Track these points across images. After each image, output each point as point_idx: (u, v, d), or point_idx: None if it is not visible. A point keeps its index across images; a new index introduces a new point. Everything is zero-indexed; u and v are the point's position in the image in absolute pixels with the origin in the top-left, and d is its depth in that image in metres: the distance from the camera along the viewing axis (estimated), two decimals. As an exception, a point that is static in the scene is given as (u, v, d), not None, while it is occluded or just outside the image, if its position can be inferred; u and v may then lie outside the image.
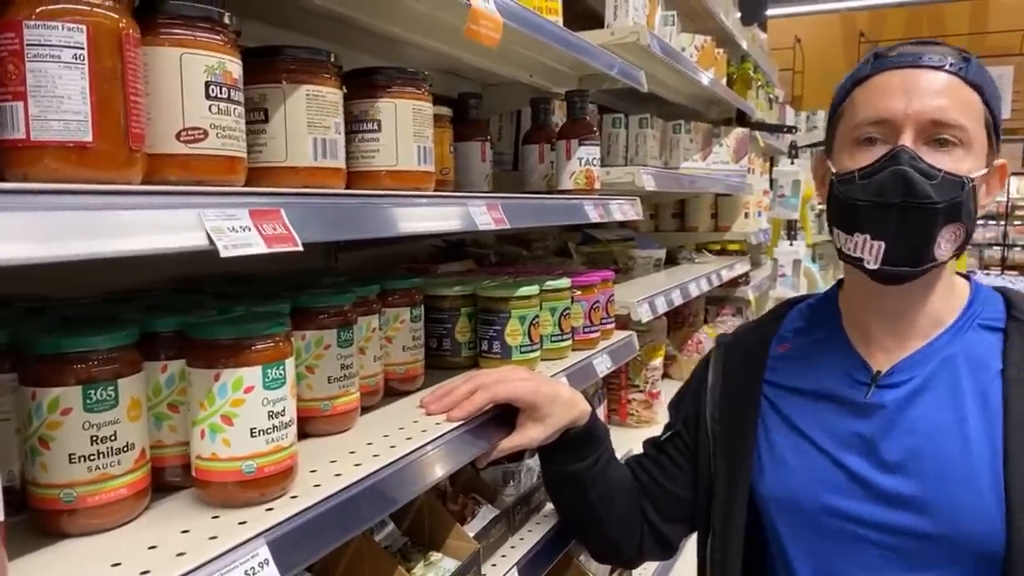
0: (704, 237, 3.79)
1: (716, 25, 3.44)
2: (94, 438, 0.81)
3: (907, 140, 1.01)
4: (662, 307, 2.27)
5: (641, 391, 2.69)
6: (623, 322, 2.11)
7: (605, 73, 1.90)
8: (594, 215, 1.73)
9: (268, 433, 0.89)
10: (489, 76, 2.06)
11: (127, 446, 0.83)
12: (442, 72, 1.99)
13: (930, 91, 1.01)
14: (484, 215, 1.25)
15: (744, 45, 3.90)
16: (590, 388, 2.18)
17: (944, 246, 1.03)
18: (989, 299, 1.13)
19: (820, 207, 5.64)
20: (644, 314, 2.11)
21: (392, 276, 1.45)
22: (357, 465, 1.04)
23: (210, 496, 0.90)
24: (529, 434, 1.27)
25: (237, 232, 0.75)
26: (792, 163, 4.01)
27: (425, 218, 1.08)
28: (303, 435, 1.16)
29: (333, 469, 1.03)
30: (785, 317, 1.28)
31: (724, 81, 3.42)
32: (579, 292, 1.83)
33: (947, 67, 1.02)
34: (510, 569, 1.44)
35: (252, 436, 0.88)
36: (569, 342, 1.75)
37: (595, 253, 3.04)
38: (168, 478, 0.94)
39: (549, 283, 1.68)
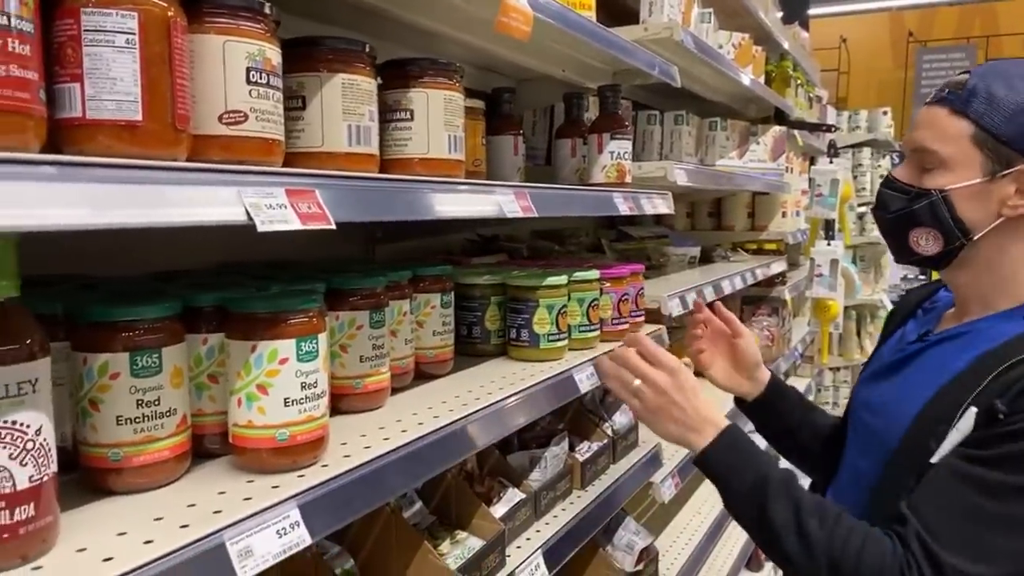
0: (740, 236, 3.77)
1: (754, 23, 3.42)
2: (140, 402, 0.86)
3: (904, 165, 1.26)
4: (692, 302, 2.28)
5: (672, 387, 2.69)
6: (654, 317, 2.13)
7: (639, 68, 1.92)
8: (624, 207, 1.75)
9: (301, 403, 0.94)
10: (523, 71, 2.10)
11: (170, 411, 0.89)
12: (477, 67, 2.03)
13: (920, 125, 1.22)
14: (512, 203, 1.28)
15: (784, 43, 3.87)
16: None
17: (923, 244, 1.23)
18: None
19: (860, 208, 5.55)
20: (675, 308, 2.12)
21: (423, 263, 1.49)
22: (386, 439, 1.08)
23: (246, 462, 0.95)
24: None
25: (274, 209, 0.80)
26: (831, 162, 3.95)
27: (454, 203, 1.12)
28: (336, 411, 1.21)
29: (363, 442, 1.07)
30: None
31: (762, 79, 3.40)
32: (608, 284, 1.85)
33: (940, 100, 1.20)
34: (535, 552, 1.47)
35: (286, 405, 0.93)
36: (597, 333, 1.77)
37: (628, 250, 3.05)
38: (208, 445, 1.00)
39: (578, 274, 1.71)
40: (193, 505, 0.85)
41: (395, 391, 1.34)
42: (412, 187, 1.05)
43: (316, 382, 0.96)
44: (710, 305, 1.59)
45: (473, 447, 1.21)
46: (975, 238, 1.18)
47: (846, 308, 5.02)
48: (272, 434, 0.93)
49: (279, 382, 0.92)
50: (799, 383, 4.61)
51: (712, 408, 1.23)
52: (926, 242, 1.22)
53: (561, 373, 1.53)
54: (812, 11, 12.75)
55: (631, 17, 2.21)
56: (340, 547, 1.31)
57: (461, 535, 1.39)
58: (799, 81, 4.00)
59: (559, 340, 1.63)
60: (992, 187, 1.16)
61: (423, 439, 1.11)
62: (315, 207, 0.86)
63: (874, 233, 5.30)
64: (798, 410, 1.52)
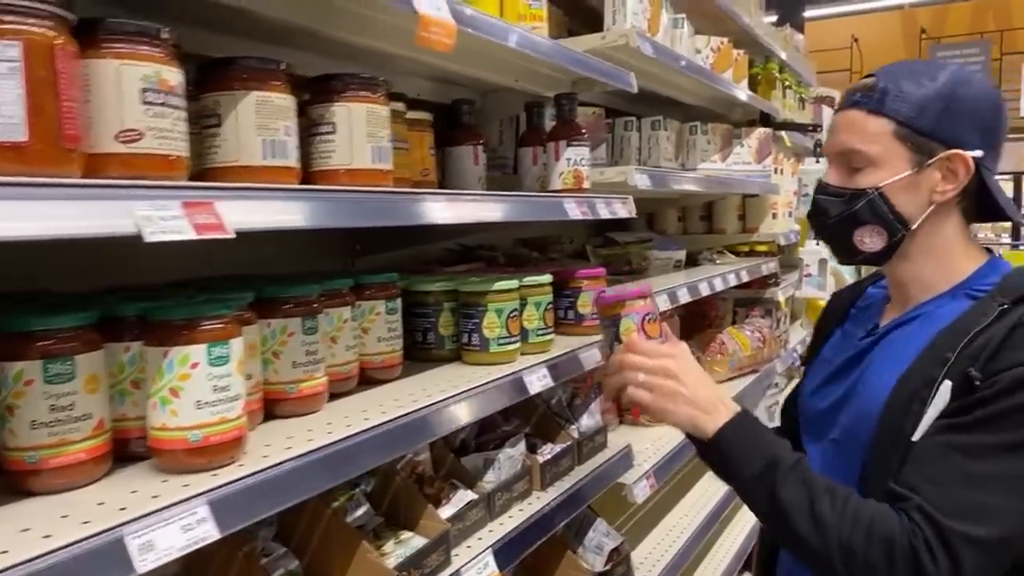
0: (732, 239, 3.77)
1: (736, 27, 3.44)
2: (53, 407, 0.91)
3: (832, 170, 1.30)
4: (663, 305, 2.30)
5: (653, 390, 2.71)
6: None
7: (592, 77, 1.95)
8: (576, 213, 1.78)
9: (213, 406, 0.99)
10: (484, 84, 2.14)
11: (85, 415, 0.94)
12: (437, 81, 2.08)
13: (840, 129, 1.28)
14: (444, 211, 1.32)
15: (773, 46, 3.88)
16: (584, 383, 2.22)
17: (868, 241, 1.27)
18: (991, 274, 1.25)
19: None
20: (642, 311, 2.14)
21: (367, 272, 1.53)
22: (309, 440, 1.12)
23: (163, 463, 1.00)
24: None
25: (167, 220, 0.85)
26: (817, 162, 3.93)
27: (373, 214, 1.16)
28: (272, 415, 1.26)
29: (287, 444, 1.11)
30: (878, 283, 1.46)
31: (745, 82, 3.42)
32: (586, 282, 1.92)
33: (854, 104, 1.25)
34: (484, 551, 1.50)
35: (198, 408, 0.98)
36: (552, 336, 1.80)
37: (612, 255, 3.08)
38: (133, 448, 1.04)
39: (529, 278, 1.75)
40: (102, 503, 0.90)
41: (338, 396, 1.39)
42: (320, 195, 1.09)
43: (229, 385, 1.00)
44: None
45: (402, 448, 1.24)
46: (913, 228, 1.24)
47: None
48: (185, 436, 0.97)
49: (190, 386, 0.97)
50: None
51: (721, 391, 1.25)
52: (871, 239, 1.27)
53: (508, 375, 1.56)
54: (822, 11, 12.74)
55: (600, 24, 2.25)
56: (286, 548, 1.35)
57: (406, 535, 1.42)
58: (787, 83, 4.01)
59: (510, 343, 1.66)
60: (920, 177, 1.22)
61: (347, 440, 1.15)
62: (213, 217, 0.91)
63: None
64: None
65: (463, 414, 1.40)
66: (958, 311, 1.19)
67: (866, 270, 1.50)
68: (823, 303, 3.76)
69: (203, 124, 1.09)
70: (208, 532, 0.92)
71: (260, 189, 1.00)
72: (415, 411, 1.29)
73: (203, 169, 1.10)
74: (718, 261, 3.38)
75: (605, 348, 1.34)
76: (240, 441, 1.03)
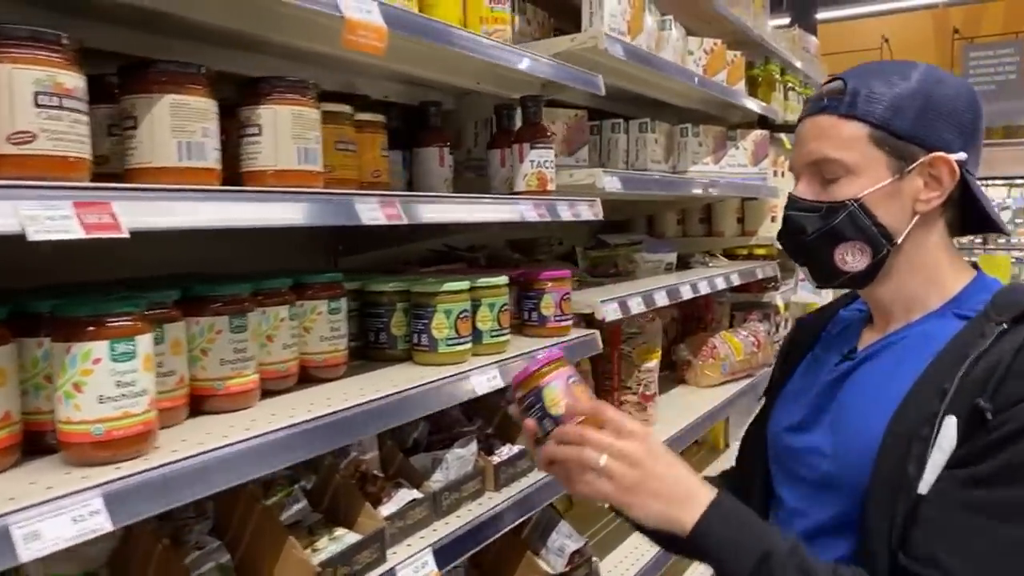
0: (730, 242, 3.74)
1: (733, 28, 3.41)
2: (-47, 398, 0.95)
3: (802, 183, 1.18)
4: (637, 307, 2.29)
5: (634, 393, 2.70)
6: (596, 324, 2.14)
7: (556, 81, 1.96)
8: (532, 215, 1.79)
9: (116, 401, 1.01)
10: (455, 87, 2.16)
11: (-12, 407, 0.97)
12: (408, 84, 2.10)
13: (809, 137, 1.16)
14: (375, 211, 1.34)
15: (776, 47, 3.83)
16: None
17: (851, 260, 1.16)
18: (981, 292, 1.14)
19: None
20: (610, 313, 2.14)
21: (309, 271, 1.55)
22: (224, 436, 1.15)
23: (70, 456, 1.03)
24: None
25: (54, 220, 0.88)
26: None
27: (284, 212, 1.18)
28: (200, 411, 1.28)
29: (202, 439, 1.14)
30: (850, 305, 1.36)
31: (742, 83, 3.38)
32: (550, 284, 1.94)
33: (822, 109, 1.15)
34: (423, 549, 1.51)
35: (100, 402, 1.00)
36: (508, 337, 1.81)
37: (600, 257, 3.07)
38: (48, 441, 1.07)
39: (483, 279, 1.75)
40: (-3, 508, 0.92)
41: (275, 393, 1.41)
42: (229, 195, 1.11)
43: (134, 381, 1.03)
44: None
45: (324, 446, 1.26)
46: (898, 242, 1.14)
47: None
48: (88, 429, 1.00)
49: (92, 381, 1.00)
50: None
51: (693, 476, 1.07)
52: (853, 258, 1.15)
53: (452, 376, 1.57)
54: (851, 11, 12.52)
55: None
56: (220, 542, 1.37)
57: (340, 532, 1.44)
58: (791, 85, 3.95)
59: (459, 344, 1.67)
60: (902, 185, 1.12)
61: (265, 435, 1.17)
62: (107, 217, 0.93)
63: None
64: None
65: (395, 414, 1.41)
66: (949, 333, 1.08)
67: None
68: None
69: (123, 126, 1.12)
70: (101, 524, 0.94)
71: (162, 190, 1.02)
72: (343, 409, 1.31)
73: (123, 170, 1.13)
74: (710, 264, 3.35)
75: (531, 435, 1.13)
76: (146, 436, 1.05)
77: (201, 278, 1.51)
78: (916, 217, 1.13)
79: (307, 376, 1.49)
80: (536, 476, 1.90)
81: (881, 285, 1.17)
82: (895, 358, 1.14)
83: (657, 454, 1.06)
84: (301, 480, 1.51)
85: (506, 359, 1.75)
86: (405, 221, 1.40)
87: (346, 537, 1.42)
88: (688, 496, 1.04)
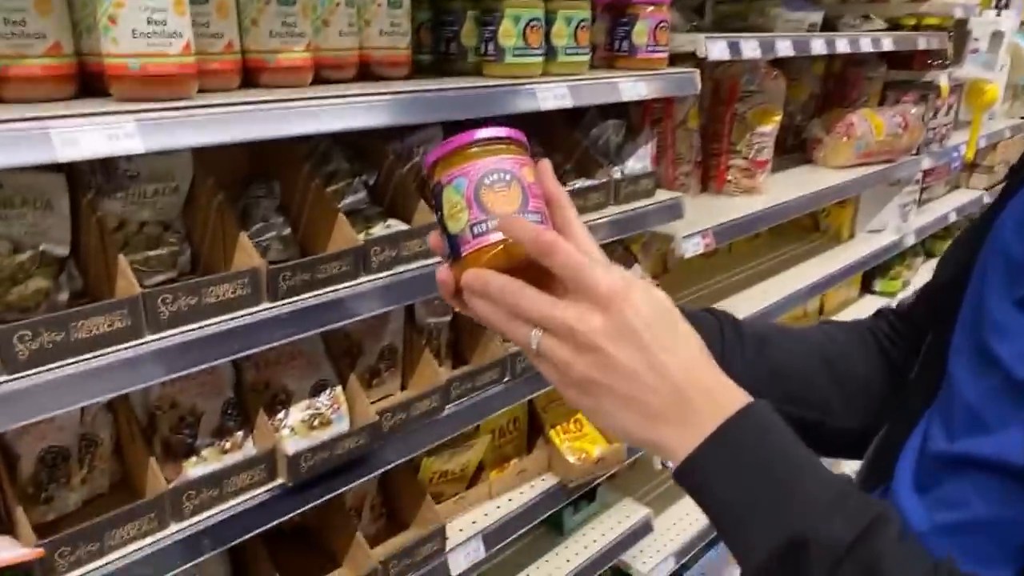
0: (898, 9, 3.25)
1: None
2: (5, 20, 1.02)
3: None
4: (751, 52, 2.07)
5: (744, 157, 2.54)
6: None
7: None
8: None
9: (148, 37, 1.05)
10: None
11: (38, 35, 1.04)
12: None
13: None
14: None
15: None
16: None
17: None
18: None
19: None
20: (715, 52, 1.96)
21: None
22: (270, 95, 1.18)
23: (114, 90, 1.10)
24: None
25: None
26: (998, 14, 3.03)
27: None
28: (254, 84, 1.32)
29: (238, 97, 1.18)
30: None
31: None
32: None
33: None
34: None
35: (134, 37, 1.05)
36: (586, 58, 1.70)
37: (731, 11, 2.78)
38: (104, 83, 1.15)
39: (562, -12, 1.63)
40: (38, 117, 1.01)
41: (331, 82, 1.43)
42: None
43: (164, 20, 1.06)
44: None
45: (374, 119, 1.28)
46: None
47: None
48: (125, 63, 1.06)
49: (125, 14, 1.04)
50: (962, 197, 4.08)
51: (705, 366, 0.64)
52: None
53: (513, 84, 1.52)
54: None
55: None
56: (284, 218, 1.47)
57: (394, 223, 1.51)
58: None
59: (528, 56, 1.59)
60: None
61: (313, 100, 1.20)
62: None
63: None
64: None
65: (453, 107, 1.40)
66: None
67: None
68: (991, 89, 3.22)
69: None
70: (133, 146, 1.02)
71: None
72: (395, 92, 1.31)
73: None
74: (863, 27, 2.94)
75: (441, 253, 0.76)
76: (181, 80, 1.10)
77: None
78: None
79: (367, 72, 1.49)
80: (610, 212, 1.87)
81: None
82: None
83: (633, 330, 0.61)
84: (363, 175, 1.56)
85: (582, 81, 1.66)
86: None
87: (398, 227, 1.49)
88: (682, 404, 0.61)
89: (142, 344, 1.13)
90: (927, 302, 0.94)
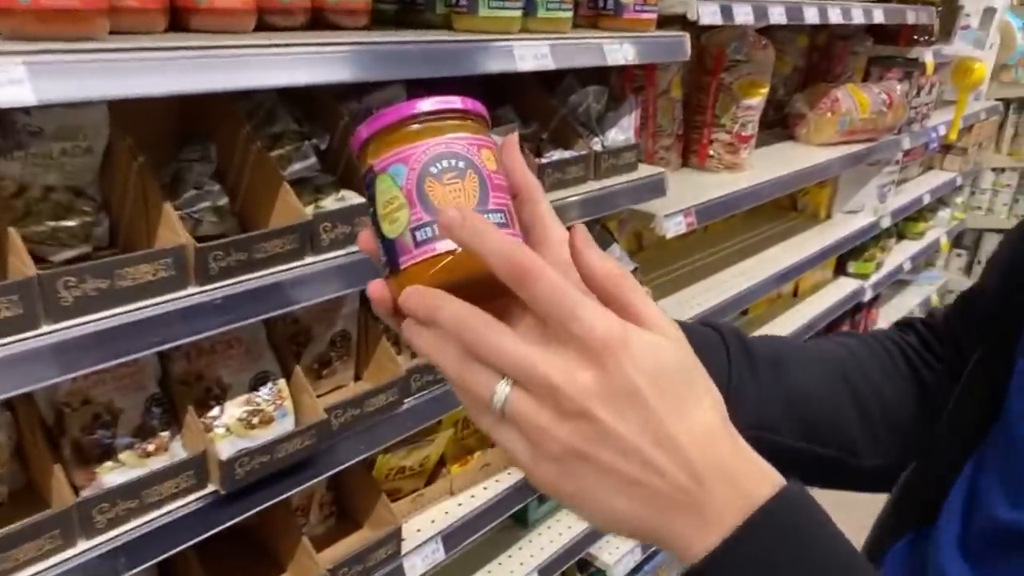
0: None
1: None
2: None
3: None
4: (744, 17, 1.92)
5: (728, 132, 2.39)
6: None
7: None
8: None
9: (42, -40, 0.85)
10: None
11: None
12: None
13: None
14: None
15: None
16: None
17: None
18: None
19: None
20: (707, 15, 1.80)
21: None
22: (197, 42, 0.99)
23: (3, 26, 0.90)
24: None
25: None
26: None
27: None
28: (184, 29, 1.12)
29: (154, 43, 0.99)
30: None
31: None
32: None
33: None
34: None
35: (23, -41, 0.85)
36: (569, 15, 1.53)
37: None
38: (-6, 19, 0.95)
39: (543, -67, 1.45)
40: None
41: (278, 29, 1.23)
42: None
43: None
44: None
45: (321, 74, 1.09)
46: None
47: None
48: (13, -9, 0.86)
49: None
50: (936, 178, 4.02)
51: (724, 436, 0.47)
52: None
53: (489, 40, 1.34)
54: None
55: None
56: (221, 186, 1.28)
57: (348, 194, 1.33)
58: None
59: (505, 9, 1.41)
60: None
61: (249, 48, 1.01)
62: None
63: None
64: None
65: (418, 63, 1.22)
66: None
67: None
68: (980, 68, 3.12)
69: None
70: (22, 95, 0.83)
71: None
72: (351, 43, 1.12)
73: None
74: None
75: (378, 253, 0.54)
76: (84, 16, 0.90)
77: None
78: None
79: (320, 20, 1.29)
80: (589, 187, 1.72)
81: None
82: None
83: (635, 391, 0.44)
84: (314, 139, 1.37)
85: (565, 40, 1.49)
86: None
87: (353, 199, 1.31)
88: (697, 489, 0.45)
89: (39, 336, 0.94)
90: (970, 315, 0.80)
